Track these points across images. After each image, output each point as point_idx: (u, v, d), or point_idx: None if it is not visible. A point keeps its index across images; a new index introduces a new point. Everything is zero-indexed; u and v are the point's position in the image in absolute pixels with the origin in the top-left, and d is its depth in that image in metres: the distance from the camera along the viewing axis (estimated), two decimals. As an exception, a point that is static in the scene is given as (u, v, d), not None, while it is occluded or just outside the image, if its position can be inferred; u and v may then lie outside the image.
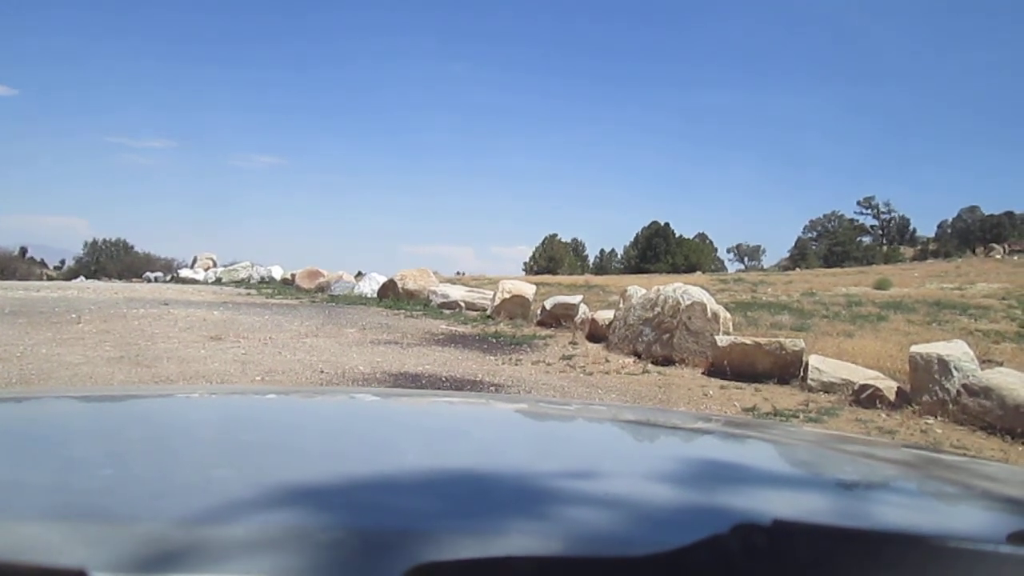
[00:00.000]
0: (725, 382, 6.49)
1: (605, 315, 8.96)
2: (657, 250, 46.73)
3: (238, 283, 19.37)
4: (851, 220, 56.06)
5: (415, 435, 0.99)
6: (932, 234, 54.66)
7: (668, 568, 0.43)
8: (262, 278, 20.24)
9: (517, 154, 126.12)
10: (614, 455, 0.96)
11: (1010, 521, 0.71)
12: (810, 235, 55.59)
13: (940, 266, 27.36)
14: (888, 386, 5.75)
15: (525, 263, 47.43)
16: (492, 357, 7.58)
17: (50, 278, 26.66)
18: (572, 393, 6.00)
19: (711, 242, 55.01)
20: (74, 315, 9.10)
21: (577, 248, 54.42)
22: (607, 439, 1.10)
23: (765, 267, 49.95)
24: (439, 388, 5.74)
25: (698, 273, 29.56)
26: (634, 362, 7.42)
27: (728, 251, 57.77)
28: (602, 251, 56.38)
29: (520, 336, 9.04)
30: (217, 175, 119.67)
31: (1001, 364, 6.43)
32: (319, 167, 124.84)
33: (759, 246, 58.16)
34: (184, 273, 22.23)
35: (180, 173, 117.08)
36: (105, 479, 0.65)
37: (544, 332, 9.39)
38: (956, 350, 5.57)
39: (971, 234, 46.77)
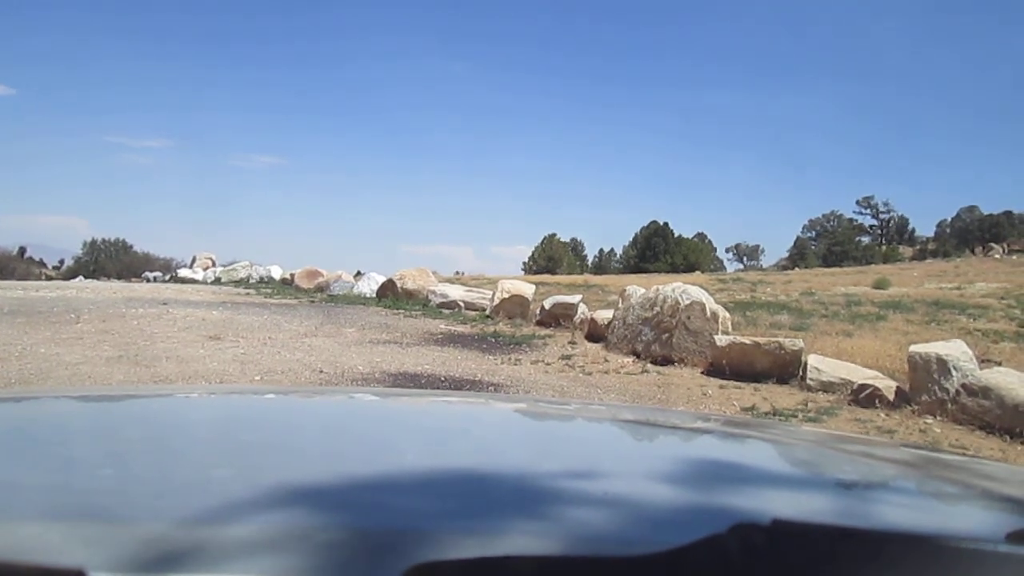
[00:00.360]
0: (724, 382, 6.50)
1: (604, 315, 8.96)
2: (656, 250, 46.66)
3: (237, 283, 19.35)
4: (850, 220, 56.03)
5: (415, 435, 0.99)
6: (931, 234, 54.65)
7: (668, 568, 0.43)
8: (261, 278, 20.23)
9: (517, 154, 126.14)
10: (613, 455, 0.96)
11: (1009, 520, 0.71)
12: (809, 235, 55.54)
13: (939, 266, 27.37)
14: (887, 386, 5.75)
15: (524, 263, 47.35)
16: (491, 357, 7.58)
17: (49, 278, 26.57)
18: (571, 393, 6.00)
19: (710, 242, 54.95)
20: (73, 315, 9.10)
21: (576, 248, 54.34)
22: (606, 439, 1.10)
23: (764, 267, 49.88)
24: (438, 388, 5.74)
25: (697, 273, 29.55)
26: (633, 362, 7.42)
27: (727, 251, 57.69)
28: (601, 251, 56.34)
29: (519, 336, 9.05)
30: (216, 175, 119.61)
31: (1000, 364, 6.44)
32: (319, 167, 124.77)
33: (758, 246, 58.09)
34: (183, 273, 22.20)
35: (179, 173, 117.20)
36: (104, 479, 0.65)
37: (543, 332, 9.40)
38: (955, 350, 5.58)
39: (970, 234, 46.74)
